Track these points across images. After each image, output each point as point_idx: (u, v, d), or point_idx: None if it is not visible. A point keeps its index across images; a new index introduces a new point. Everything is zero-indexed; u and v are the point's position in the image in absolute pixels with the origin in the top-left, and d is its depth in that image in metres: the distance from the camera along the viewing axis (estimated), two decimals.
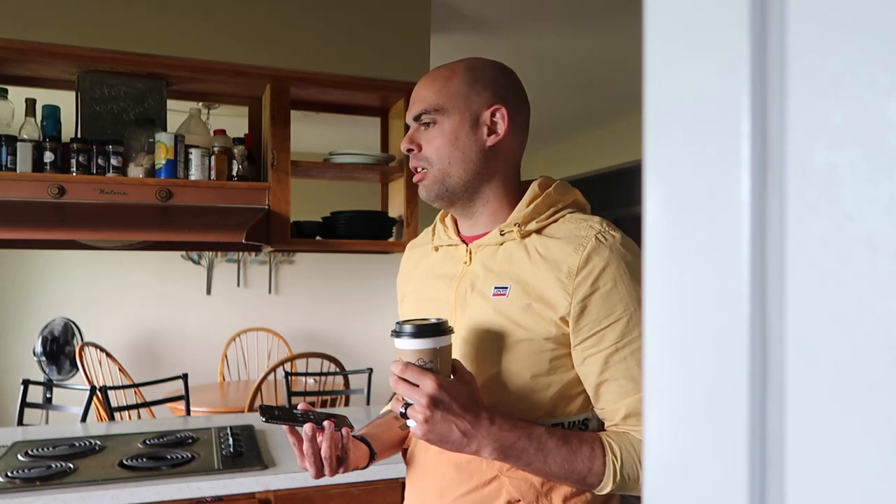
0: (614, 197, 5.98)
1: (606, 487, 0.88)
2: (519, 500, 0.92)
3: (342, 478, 1.78)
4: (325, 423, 0.95)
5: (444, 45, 2.79)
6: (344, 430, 0.97)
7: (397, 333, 0.90)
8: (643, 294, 0.94)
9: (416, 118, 0.99)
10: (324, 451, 0.94)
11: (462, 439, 0.86)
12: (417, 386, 0.85)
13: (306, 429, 0.94)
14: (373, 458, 1.04)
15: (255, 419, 2.30)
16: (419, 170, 1.00)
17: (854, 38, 0.21)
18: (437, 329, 0.89)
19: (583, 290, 0.88)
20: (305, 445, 0.94)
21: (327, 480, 1.73)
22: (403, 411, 0.87)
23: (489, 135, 0.97)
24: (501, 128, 0.97)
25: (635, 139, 4.14)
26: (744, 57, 0.24)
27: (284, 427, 0.96)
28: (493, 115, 0.97)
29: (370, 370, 3.22)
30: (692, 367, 0.26)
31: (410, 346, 0.88)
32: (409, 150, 1.00)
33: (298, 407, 0.99)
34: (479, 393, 0.90)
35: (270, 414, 0.95)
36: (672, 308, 0.27)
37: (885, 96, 0.20)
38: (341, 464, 0.97)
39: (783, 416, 0.23)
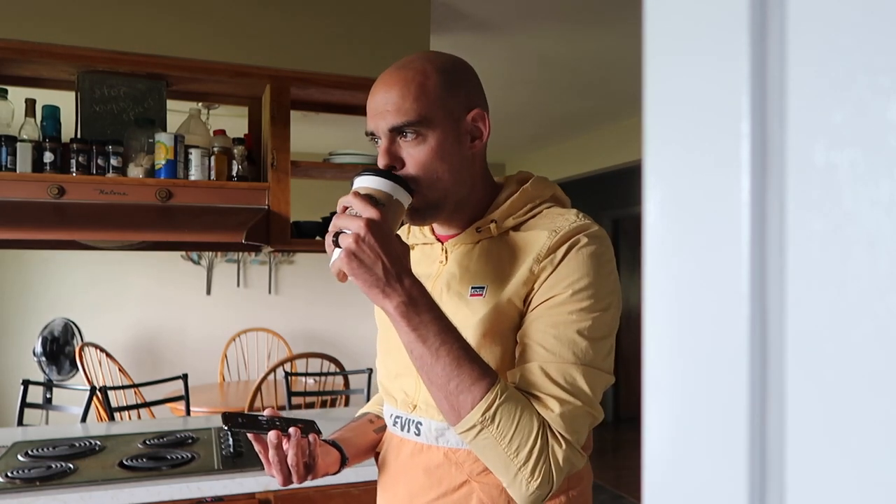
0: (614, 197, 5.98)
1: (471, 420, 0.80)
2: None
3: (343, 478, 1.78)
4: (291, 429, 0.92)
5: (444, 45, 2.79)
6: (311, 437, 0.94)
7: (359, 173, 0.87)
8: (599, 289, 0.90)
9: (396, 130, 0.88)
10: (290, 459, 0.92)
11: (380, 280, 0.80)
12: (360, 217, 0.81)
13: (271, 436, 0.91)
14: (344, 462, 1.02)
15: None
16: None
17: (854, 38, 0.21)
18: (400, 179, 0.86)
19: (546, 271, 0.87)
20: (271, 453, 0.92)
21: (327, 480, 1.73)
22: (335, 239, 0.82)
23: (472, 141, 0.93)
24: (484, 133, 0.93)
25: (635, 139, 4.14)
26: (743, 56, 0.24)
27: (249, 435, 0.94)
28: (473, 120, 0.92)
29: (370, 370, 3.22)
30: (692, 368, 0.26)
31: (367, 184, 0.85)
32: (392, 168, 0.90)
33: (264, 413, 0.97)
34: None
35: (234, 422, 0.93)
36: (672, 308, 0.27)
37: (886, 96, 0.20)
38: (310, 471, 0.95)
39: (783, 415, 0.23)
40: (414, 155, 0.89)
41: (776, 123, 0.23)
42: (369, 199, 0.83)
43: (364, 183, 0.86)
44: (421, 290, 0.83)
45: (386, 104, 0.89)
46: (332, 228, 0.83)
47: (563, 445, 0.81)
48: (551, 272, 0.86)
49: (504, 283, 0.89)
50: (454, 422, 0.83)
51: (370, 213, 0.81)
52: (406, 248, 0.85)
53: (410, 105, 0.87)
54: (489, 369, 0.83)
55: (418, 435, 0.95)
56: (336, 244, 0.82)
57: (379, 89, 0.91)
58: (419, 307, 0.82)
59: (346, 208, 0.84)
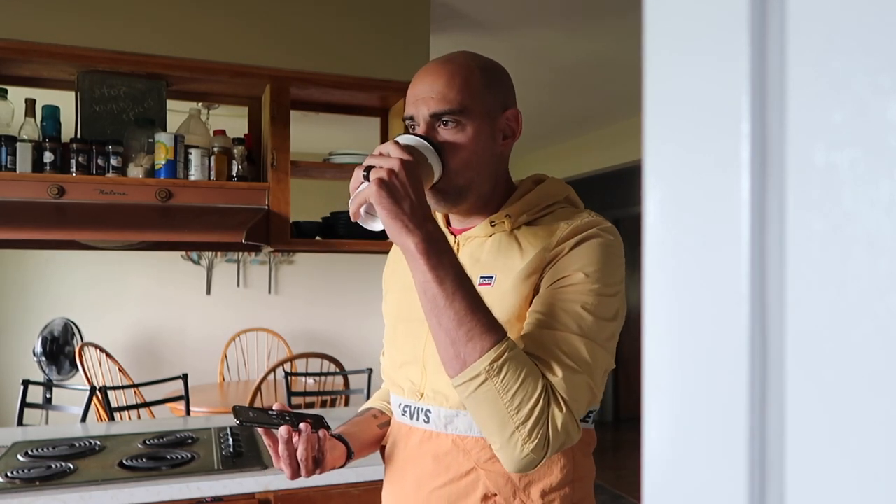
0: (614, 197, 5.98)
1: (477, 369, 0.79)
2: (495, 495, 0.89)
3: (342, 478, 1.78)
4: (302, 425, 0.94)
5: (444, 44, 2.79)
6: (321, 432, 0.96)
7: (400, 135, 0.91)
8: (608, 276, 0.91)
9: (437, 116, 0.92)
10: (300, 454, 0.93)
11: (406, 214, 0.81)
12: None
13: (282, 431, 0.93)
14: (350, 457, 1.04)
15: None
16: None
17: (854, 38, 0.21)
18: (438, 146, 0.91)
19: (558, 256, 0.89)
20: (281, 447, 0.93)
21: (327, 480, 1.73)
22: (366, 173, 0.83)
23: (504, 139, 0.96)
24: (517, 132, 0.97)
25: (635, 139, 4.13)
26: (743, 56, 0.24)
27: (259, 429, 0.95)
28: (508, 119, 0.96)
29: (370, 370, 3.22)
30: (692, 367, 0.26)
31: (408, 141, 0.89)
32: None
33: (273, 407, 0.98)
34: None
35: (245, 416, 0.93)
36: (672, 308, 0.27)
37: (886, 96, 0.20)
38: (318, 465, 0.96)
39: (783, 415, 0.23)
40: (450, 141, 0.92)
41: (776, 123, 0.23)
42: (408, 148, 0.86)
43: (405, 140, 0.89)
44: (443, 236, 0.84)
45: (430, 92, 0.92)
46: (364, 163, 0.84)
47: (564, 410, 0.80)
48: (563, 257, 0.88)
49: (514, 272, 0.91)
50: (457, 370, 0.81)
51: (407, 157, 0.83)
52: (430, 209, 0.87)
53: (455, 95, 0.91)
54: (500, 325, 0.83)
55: (427, 423, 0.96)
56: (366, 178, 0.83)
57: (424, 78, 0.94)
58: (440, 249, 0.82)
59: (382, 155, 0.86)
